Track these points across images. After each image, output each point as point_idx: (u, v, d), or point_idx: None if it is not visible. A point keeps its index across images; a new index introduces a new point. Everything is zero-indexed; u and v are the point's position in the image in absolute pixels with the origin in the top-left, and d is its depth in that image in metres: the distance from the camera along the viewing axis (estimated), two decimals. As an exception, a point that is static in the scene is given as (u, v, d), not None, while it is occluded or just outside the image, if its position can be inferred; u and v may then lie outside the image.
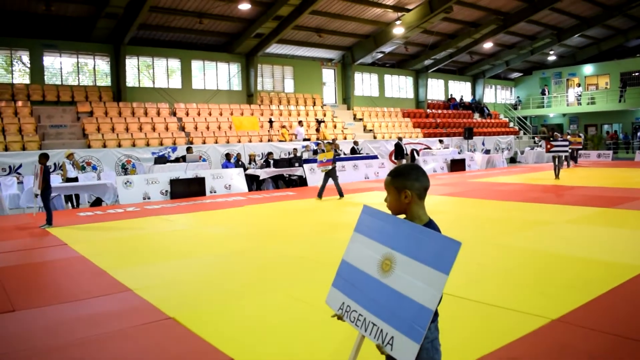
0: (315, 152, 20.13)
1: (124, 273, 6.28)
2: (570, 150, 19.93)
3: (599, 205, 10.90)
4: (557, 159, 17.68)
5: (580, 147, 25.06)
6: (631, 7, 27.52)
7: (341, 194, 13.82)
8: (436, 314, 2.20)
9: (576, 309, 4.47)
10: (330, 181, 13.96)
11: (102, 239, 9.04)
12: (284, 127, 22.41)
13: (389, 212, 2.30)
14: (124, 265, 6.82)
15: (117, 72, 20.84)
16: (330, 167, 13.71)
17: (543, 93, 36.60)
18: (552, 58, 35.59)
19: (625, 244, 7.14)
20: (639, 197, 11.98)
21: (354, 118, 27.73)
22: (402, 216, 2.27)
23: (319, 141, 20.01)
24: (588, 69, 36.08)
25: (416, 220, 2.23)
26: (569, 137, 22.71)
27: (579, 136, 26.57)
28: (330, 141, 15.22)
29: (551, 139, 18.79)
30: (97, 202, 14.79)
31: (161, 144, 18.81)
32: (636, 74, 33.46)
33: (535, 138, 33.50)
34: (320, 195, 13.74)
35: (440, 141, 26.74)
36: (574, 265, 6.07)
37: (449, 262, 1.85)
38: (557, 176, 17.48)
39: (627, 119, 34.60)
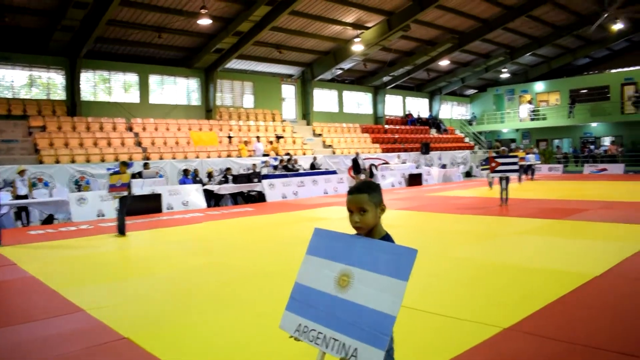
0: (274, 168, 20.12)
1: (77, 293, 6.13)
2: (519, 168, 15.70)
3: (550, 217, 11.28)
4: (504, 181, 14.15)
5: (524, 163, 23.25)
6: (579, 27, 28.79)
7: (122, 231, 10.96)
8: None
9: (527, 317, 4.62)
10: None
11: (54, 258, 8.80)
12: (244, 142, 22.25)
13: (356, 230, 2.33)
14: (77, 284, 6.66)
15: (72, 85, 20.39)
16: (124, 192, 10.89)
17: (530, 103, 36.66)
18: (505, 75, 36.69)
19: (574, 254, 7.40)
20: (588, 208, 12.44)
21: (314, 133, 27.86)
22: (353, 232, 2.32)
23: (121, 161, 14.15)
24: (539, 86, 37.36)
25: (377, 233, 2.30)
26: (519, 151, 22.75)
27: (533, 151, 26.48)
28: (126, 161, 11.77)
29: (496, 154, 15.57)
30: (49, 220, 14.38)
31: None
32: (584, 91, 34.85)
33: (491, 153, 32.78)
34: (121, 230, 11.00)
35: (398, 156, 27.13)
36: (525, 275, 6.26)
37: (407, 269, 1.95)
38: (504, 201, 14.12)
39: (576, 134, 35.90)
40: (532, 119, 36.01)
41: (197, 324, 4.88)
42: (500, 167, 14.01)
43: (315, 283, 2.27)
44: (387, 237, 2.29)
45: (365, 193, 2.29)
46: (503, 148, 16.11)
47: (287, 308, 2.36)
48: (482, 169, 22.18)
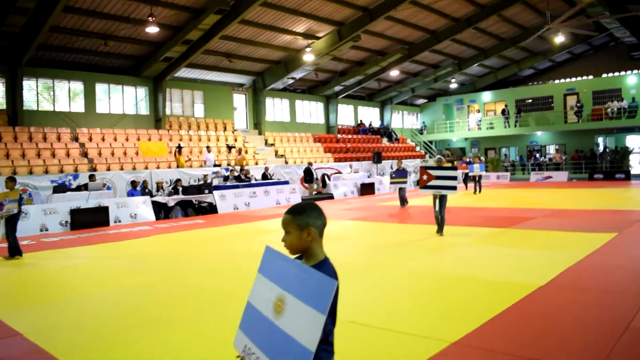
0: (226, 179, 19.88)
1: (13, 315, 5.83)
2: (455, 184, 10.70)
3: (497, 225, 11.51)
4: (438, 199, 10.63)
5: (465, 171, 22.62)
6: (523, 39, 29.80)
7: (13, 254, 9.96)
8: (331, 351, 2.17)
9: (473, 331, 4.66)
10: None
11: (-10, 276, 8.37)
12: (177, 151, 20.72)
13: (287, 251, 2.27)
14: (12, 306, 6.34)
15: (13, 94, 19.58)
16: (15, 210, 9.83)
17: (504, 112, 36.01)
18: (453, 85, 37.56)
19: (520, 263, 7.56)
20: (534, 216, 12.78)
21: (266, 143, 27.71)
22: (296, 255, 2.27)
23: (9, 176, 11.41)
24: (486, 96, 38.41)
25: (312, 258, 2.23)
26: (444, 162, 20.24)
27: (480, 159, 24.72)
28: (12, 176, 10.52)
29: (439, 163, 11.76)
30: (-12, 235, 13.72)
31: (61, 171, 17.82)
32: (529, 100, 36.04)
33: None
34: (12, 252, 9.97)
35: (350, 165, 27.26)
36: (472, 286, 6.34)
37: (326, 301, 1.83)
38: (440, 230, 10.63)
39: (522, 143, 37.04)
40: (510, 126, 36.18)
41: (139, 346, 4.70)
42: (433, 182, 10.48)
43: (259, 304, 2.21)
44: (322, 263, 2.21)
45: (290, 214, 2.27)
46: (439, 157, 13.03)
47: (239, 326, 2.31)
48: (392, 183, 18.75)
